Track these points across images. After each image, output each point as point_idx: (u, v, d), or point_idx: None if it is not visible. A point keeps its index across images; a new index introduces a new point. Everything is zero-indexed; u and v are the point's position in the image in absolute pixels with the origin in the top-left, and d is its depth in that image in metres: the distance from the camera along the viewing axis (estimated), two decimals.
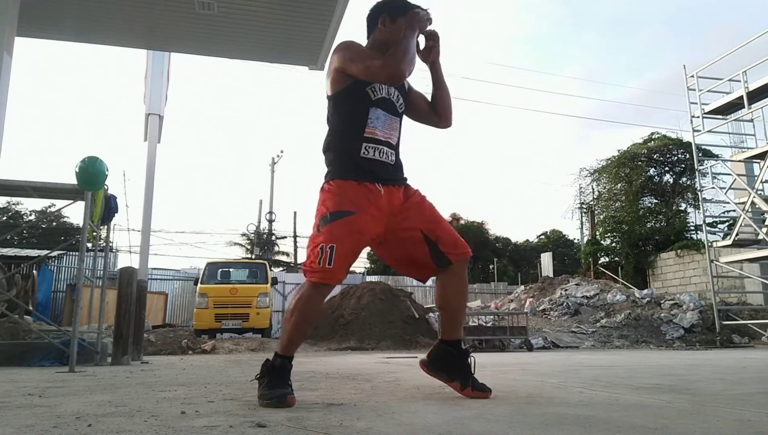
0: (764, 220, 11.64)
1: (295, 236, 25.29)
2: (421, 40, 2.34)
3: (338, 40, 5.62)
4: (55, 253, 15.84)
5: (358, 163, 2.16)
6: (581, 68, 74.73)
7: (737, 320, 11.93)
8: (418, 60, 2.28)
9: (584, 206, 23.95)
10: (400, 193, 2.25)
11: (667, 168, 21.30)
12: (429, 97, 2.45)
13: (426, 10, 2.27)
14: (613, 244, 21.26)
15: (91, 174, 4.75)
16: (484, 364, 4.90)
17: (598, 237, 22.13)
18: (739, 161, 12.40)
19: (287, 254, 26.20)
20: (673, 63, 70.89)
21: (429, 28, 2.32)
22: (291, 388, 2.05)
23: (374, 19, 2.34)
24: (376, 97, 2.22)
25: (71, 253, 15.99)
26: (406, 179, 2.31)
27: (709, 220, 14.41)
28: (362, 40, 2.34)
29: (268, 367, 2.09)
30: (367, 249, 2.40)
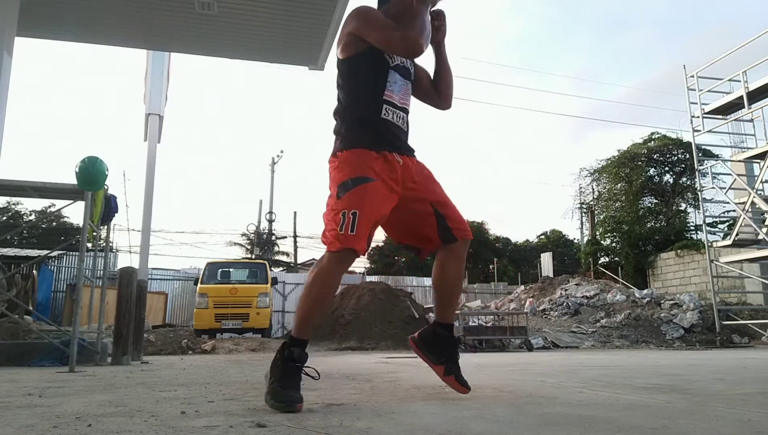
0: (764, 220, 11.64)
1: (295, 236, 25.29)
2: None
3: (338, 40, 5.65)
4: (55, 253, 15.84)
5: (376, 125, 2.12)
6: (574, 69, 74.96)
7: (737, 320, 11.93)
8: None
9: (584, 206, 23.95)
10: (413, 163, 2.22)
11: (667, 168, 21.32)
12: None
13: None
14: (613, 244, 21.26)
15: (91, 174, 4.75)
16: (485, 364, 4.91)
17: (598, 237, 22.13)
18: (739, 161, 12.40)
19: (287, 254, 26.19)
20: (664, 63, 71.04)
21: (437, 6, 2.28)
22: (309, 377, 1.99)
23: None
24: (394, 63, 2.20)
25: (71, 253, 15.98)
26: (414, 150, 2.28)
27: (709, 220, 14.41)
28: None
29: (284, 356, 1.96)
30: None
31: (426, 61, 2.41)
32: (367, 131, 2.12)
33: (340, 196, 2.03)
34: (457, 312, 9.87)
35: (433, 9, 2.29)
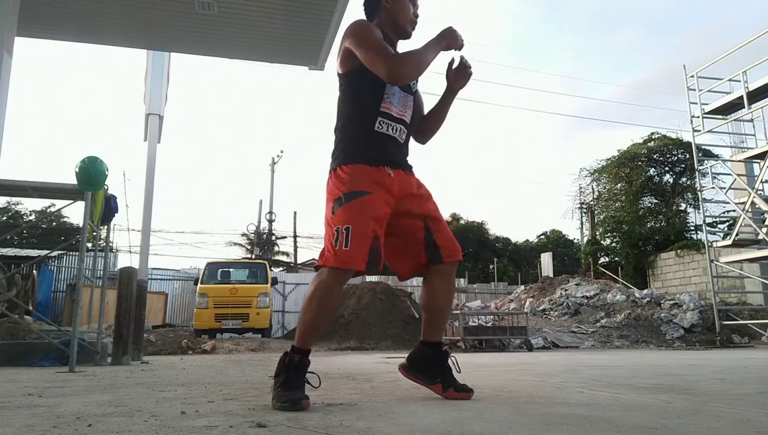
0: (764, 220, 11.63)
1: (295, 236, 25.27)
2: (457, 56, 2.30)
3: (338, 40, 5.65)
4: (55, 253, 15.83)
5: (370, 139, 2.11)
6: (563, 69, 75.16)
7: (737, 320, 11.93)
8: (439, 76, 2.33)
9: (584, 206, 23.95)
10: (409, 179, 2.21)
11: (667, 168, 21.31)
12: (426, 110, 2.42)
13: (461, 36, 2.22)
14: (613, 244, 21.27)
15: (91, 174, 4.75)
16: (485, 364, 4.91)
17: (598, 237, 22.13)
18: (739, 161, 12.40)
19: (287, 254, 26.18)
20: (654, 63, 71.25)
21: (461, 57, 2.28)
22: (308, 385, 1.99)
23: (374, 1, 2.28)
24: None
25: (71, 253, 15.97)
26: (412, 166, 2.27)
27: (709, 220, 14.41)
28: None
29: (285, 363, 1.98)
30: None
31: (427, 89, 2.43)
32: (362, 146, 2.12)
33: (334, 212, 2.04)
34: (457, 312, 9.90)
35: (465, 64, 2.30)
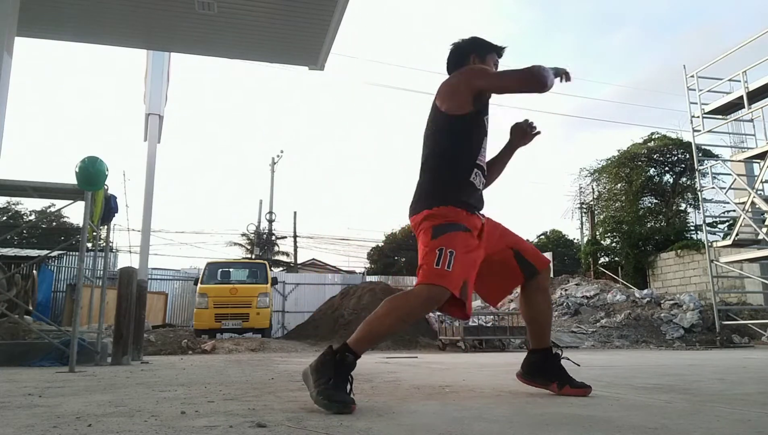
0: (764, 220, 11.64)
1: (295, 236, 25.26)
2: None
3: (338, 40, 5.65)
4: (55, 253, 15.84)
5: (465, 188, 2.16)
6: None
7: (737, 320, 11.93)
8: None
9: (584, 206, 23.93)
10: (488, 221, 2.29)
11: (667, 168, 21.29)
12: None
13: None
14: (613, 244, 21.25)
15: (91, 174, 4.76)
16: (485, 364, 4.91)
17: (598, 237, 22.12)
18: (739, 161, 12.40)
19: (287, 254, 26.16)
20: (650, 64, 71.13)
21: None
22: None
23: (462, 57, 2.34)
24: (488, 127, 2.28)
25: (71, 253, 15.98)
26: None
27: (709, 220, 14.41)
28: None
29: (337, 360, 1.92)
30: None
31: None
32: (457, 192, 2.15)
33: (435, 237, 2.05)
34: None
35: (533, 127, 2.46)
